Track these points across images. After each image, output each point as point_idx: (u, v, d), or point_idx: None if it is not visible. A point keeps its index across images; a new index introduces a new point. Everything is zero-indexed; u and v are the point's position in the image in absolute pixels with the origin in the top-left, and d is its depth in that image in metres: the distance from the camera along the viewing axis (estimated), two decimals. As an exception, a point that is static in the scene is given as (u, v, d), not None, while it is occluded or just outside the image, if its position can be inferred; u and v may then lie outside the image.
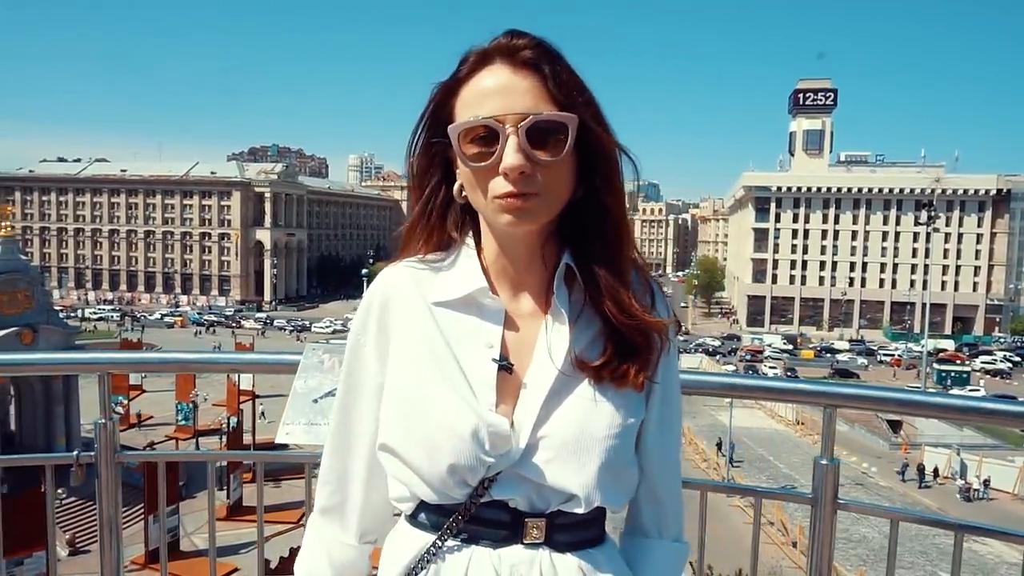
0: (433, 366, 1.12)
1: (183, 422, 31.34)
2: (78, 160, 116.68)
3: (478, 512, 1.10)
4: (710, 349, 73.95)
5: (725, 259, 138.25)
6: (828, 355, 74.29)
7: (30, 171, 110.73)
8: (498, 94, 1.06)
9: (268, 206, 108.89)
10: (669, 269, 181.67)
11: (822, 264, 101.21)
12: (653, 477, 1.23)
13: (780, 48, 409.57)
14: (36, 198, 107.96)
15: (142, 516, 20.07)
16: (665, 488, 1.26)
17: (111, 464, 1.92)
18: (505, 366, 1.12)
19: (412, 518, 1.16)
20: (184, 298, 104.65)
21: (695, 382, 1.82)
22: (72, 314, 75.03)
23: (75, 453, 1.97)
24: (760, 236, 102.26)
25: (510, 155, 1.04)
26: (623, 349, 1.14)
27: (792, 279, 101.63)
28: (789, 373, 60.98)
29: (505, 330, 1.15)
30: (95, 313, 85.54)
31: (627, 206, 1.20)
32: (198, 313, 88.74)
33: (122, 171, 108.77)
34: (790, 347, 77.01)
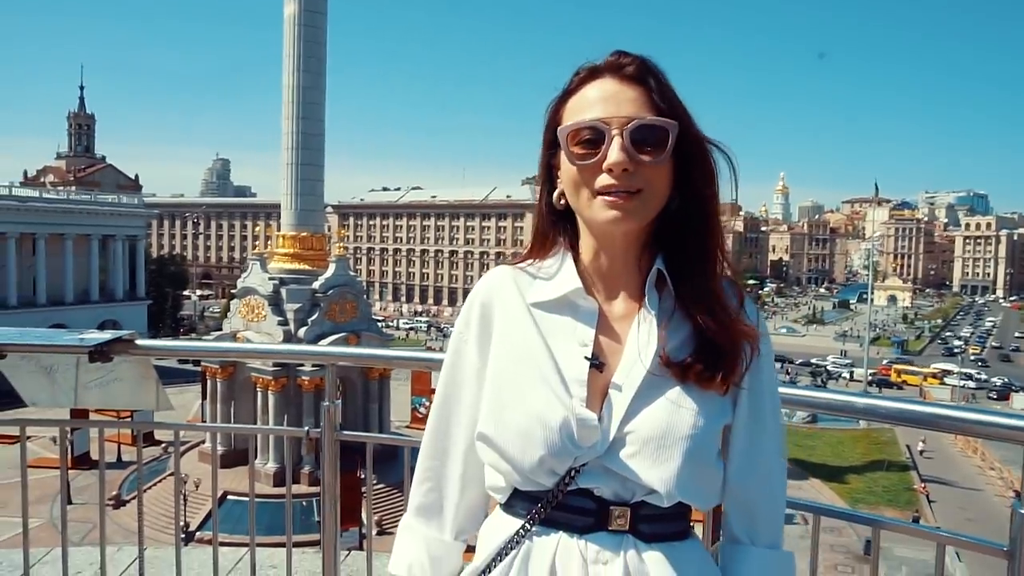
0: (530, 362, 1.21)
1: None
2: (398, 189, 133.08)
3: (566, 500, 1.17)
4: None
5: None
6: None
7: (361, 199, 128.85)
8: (605, 101, 1.15)
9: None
10: (999, 292, 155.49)
11: None
12: (741, 483, 1.24)
13: None
14: (365, 222, 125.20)
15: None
16: (754, 495, 1.26)
17: (331, 441, 2.31)
18: (596, 364, 1.19)
19: (506, 506, 1.25)
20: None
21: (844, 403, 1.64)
22: (389, 324, 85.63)
23: (306, 429, 2.39)
24: None
25: (615, 152, 1.12)
26: (710, 353, 1.17)
27: None
28: None
29: (598, 330, 1.22)
30: (407, 323, 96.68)
31: (721, 215, 1.22)
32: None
33: (432, 197, 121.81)
34: None
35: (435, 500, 1.36)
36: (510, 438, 1.19)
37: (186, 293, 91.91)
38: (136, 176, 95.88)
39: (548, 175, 1.26)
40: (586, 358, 1.19)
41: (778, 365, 68.92)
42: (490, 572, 1.21)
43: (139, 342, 2.32)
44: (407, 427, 37.60)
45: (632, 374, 1.18)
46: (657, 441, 1.14)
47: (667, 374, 1.17)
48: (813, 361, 70.42)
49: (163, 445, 29.92)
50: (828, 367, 68.19)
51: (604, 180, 1.13)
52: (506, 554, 1.20)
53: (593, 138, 1.14)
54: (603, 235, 1.21)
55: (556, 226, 1.28)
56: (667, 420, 1.15)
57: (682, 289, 1.20)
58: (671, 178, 1.17)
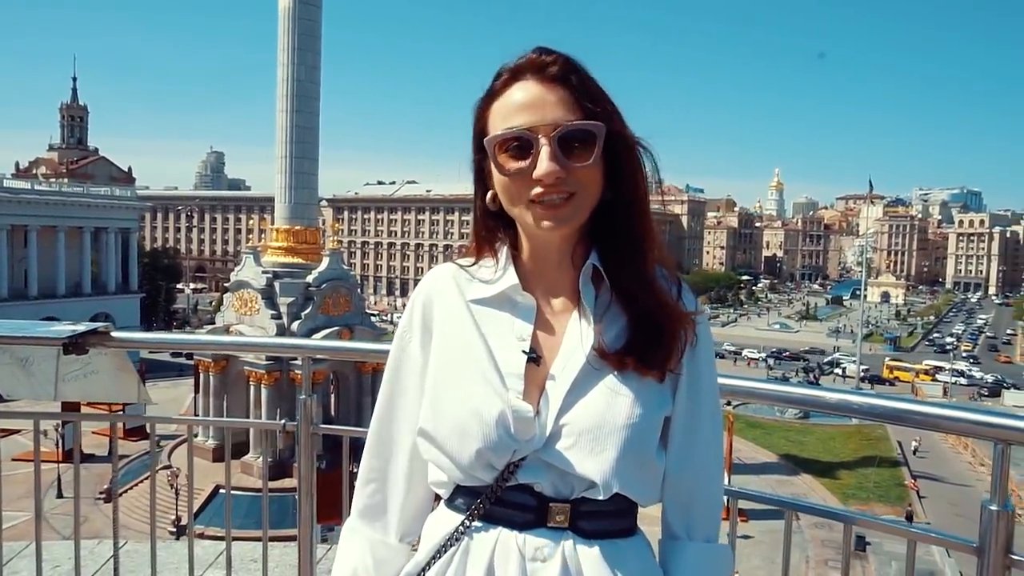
0: (468, 358, 1.21)
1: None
2: (393, 182, 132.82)
3: (505, 495, 1.17)
4: (1044, 386, 62.23)
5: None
6: None
7: (355, 193, 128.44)
8: (530, 107, 1.15)
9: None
10: (992, 289, 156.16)
11: None
12: (677, 475, 1.24)
13: None
14: (359, 216, 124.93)
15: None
16: (692, 487, 1.25)
17: (308, 434, 2.29)
18: (533, 358, 1.20)
19: (448, 501, 1.25)
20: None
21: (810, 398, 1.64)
22: (384, 318, 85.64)
23: (282, 422, 2.38)
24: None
25: (544, 163, 1.12)
26: (645, 341, 1.18)
27: None
28: None
29: (537, 326, 1.23)
30: (401, 318, 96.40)
31: (650, 205, 1.24)
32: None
33: (427, 191, 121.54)
34: None
35: (380, 501, 1.35)
36: (447, 433, 1.19)
37: (179, 286, 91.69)
38: (129, 168, 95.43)
39: (480, 176, 1.26)
40: (524, 352, 1.20)
41: (772, 360, 69.76)
42: (430, 568, 1.21)
43: (114, 334, 2.30)
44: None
45: (568, 366, 1.18)
46: (593, 432, 1.14)
47: (604, 365, 1.17)
48: (831, 357, 70.84)
49: (156, 439, 29.91)
50: (839, 361, 68.72)
51: (536, 189, 1.13)
52: (446, 550, 1.20)
53: (521, 146, 1.14)
54: (538, 238, 1.22)
55: (493, 225, 1.29)
56: (603, 411, 1.15)
57: (617, 280, 1.21)
58: (602, 173, 1.18)
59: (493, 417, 1.15)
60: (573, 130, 1.13)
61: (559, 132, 1.12)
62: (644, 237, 1.22)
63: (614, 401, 1.16)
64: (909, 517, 30.56)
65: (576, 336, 1.20)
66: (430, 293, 1.31)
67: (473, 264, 1.31)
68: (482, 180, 1.26)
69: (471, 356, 1.21)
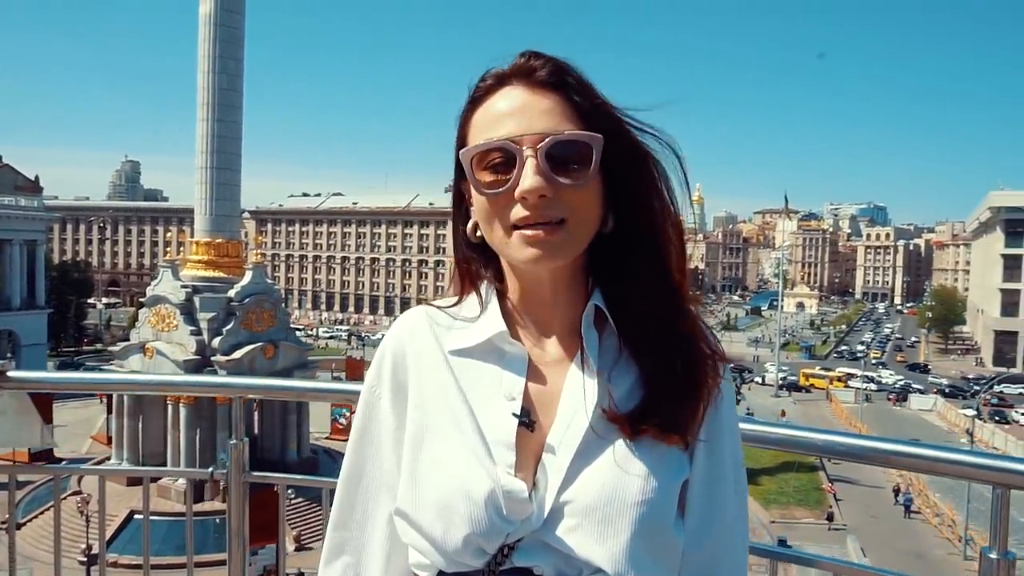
0: (449, 423, 1.03)
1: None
2: (318, 195, 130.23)
3: None
4: (946, 390, 65.79)
5: (966, 289, 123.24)
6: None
7: (280, 205, 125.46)
8: (514, 115, 0.98)
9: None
10: (897, 299, 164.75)
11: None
12: (699, 550, 1.05)
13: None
14: (284, 229, 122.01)
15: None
16: (713, 563, 1.06)
17: (239, 482, 2.06)
18: (526, 422, 1.01)
19: None
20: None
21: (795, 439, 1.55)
22: (309, 333, 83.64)
23: (210, 470, 2.14)
24: (1012, 263, 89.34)
25: (528, 178, 0.94)
26: (664, 400, 0.99)
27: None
28: (1049, 423, 52.54)
29: (528, 380, 1.04)
30: (327, 332, 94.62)
31: (674, 226, 1.04)
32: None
33: (353, 203, 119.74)
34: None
35: None
36: (429, 515, 1.01)
37: (91, 301, 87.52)
38: (36, 177, 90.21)
39: (461, 201, 1.08)
40: (514, 415, 1.01)
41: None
42: None
43: (11, 374, 2.02)
44: (327, 438, 36.66)
45: (570, 432, 1.00)
46: (602, 511, 0.96)
47: (614, 430, 0.99)
48: (769, 369, 72.88)
49: (63, 462, 28.14)
50: (766, 372, 70.84)
51: (519, 212, 0.96)
52: None
53: (503, 161, 0.97)
54: (526, 273, 1.04)
55: (475, 259, 1.11)
56: (612, 485, 0.97)
57: (626, 325, 1.03)
58: (602, 196, 1.00)
59: (482, 497, 0.97)
60: (564, 141, 0.95)
61: (547, 144, 0.95)
62: (660, 268, 1.03)
63: (625, 473, 0.98)
64: (830, 518, 31.83)
65: (577, 392, 1.01)
66: (401, 343, 1.12)
67: (452, 306, 1.12)
68: (462, 205, 1.08)
69: (453, 421, 1.03)
